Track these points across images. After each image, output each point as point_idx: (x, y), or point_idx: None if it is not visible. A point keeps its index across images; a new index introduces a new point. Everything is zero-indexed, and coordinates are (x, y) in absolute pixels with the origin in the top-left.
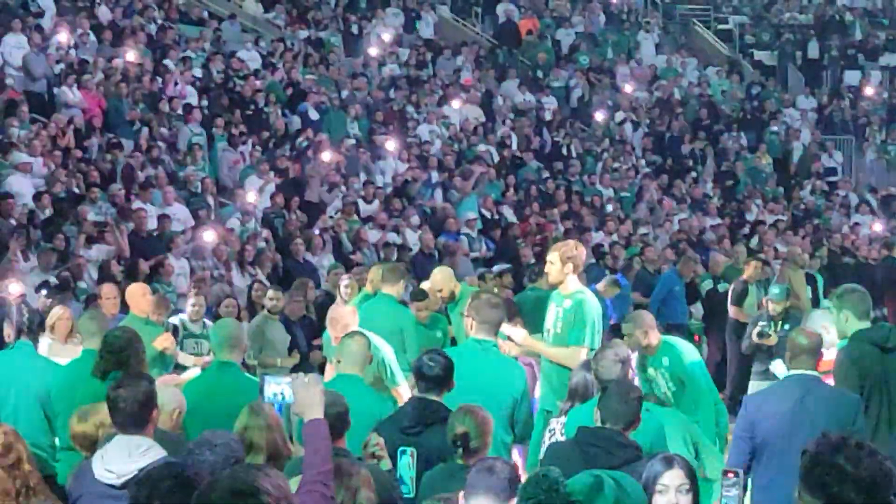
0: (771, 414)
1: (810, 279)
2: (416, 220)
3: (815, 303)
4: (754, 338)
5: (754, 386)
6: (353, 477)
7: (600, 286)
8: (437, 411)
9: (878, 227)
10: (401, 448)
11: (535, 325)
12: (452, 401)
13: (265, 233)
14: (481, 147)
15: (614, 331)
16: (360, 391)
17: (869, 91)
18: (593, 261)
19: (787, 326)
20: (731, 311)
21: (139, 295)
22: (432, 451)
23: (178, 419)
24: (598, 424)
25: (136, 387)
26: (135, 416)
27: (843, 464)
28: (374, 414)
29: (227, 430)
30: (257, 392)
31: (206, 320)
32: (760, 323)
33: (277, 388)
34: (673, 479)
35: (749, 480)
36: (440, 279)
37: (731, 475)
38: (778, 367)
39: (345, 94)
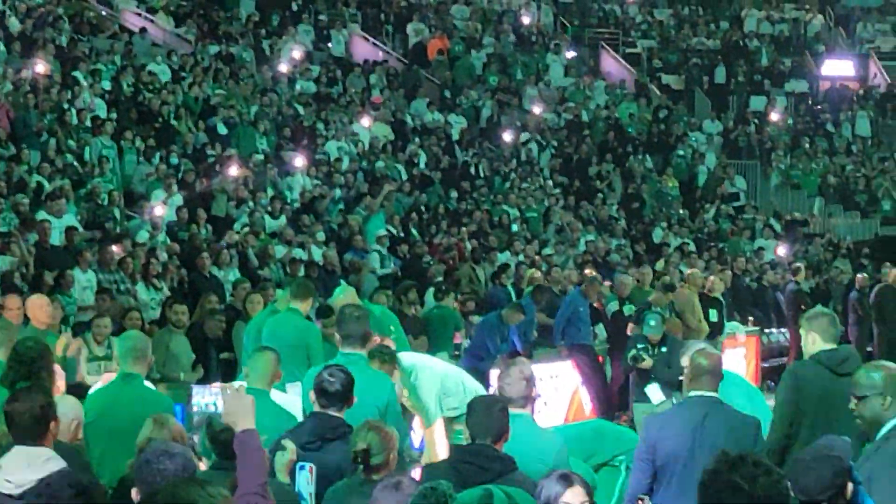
0: (672, 436)
1: (716, 303)
2: (322, 236)
3: (721, 326)
4: (629, 360)
5: (637, 409)
6: None
7: (504, 313)
8: (338, 427)
9: (782, 251)
10: (300, 463)
11: (440, 342)
12: None
13: (170, 246)
14: (388, 166)
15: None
16: (265, 406)
17: (774, 116)
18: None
19: (663, 349)
20: (631, 330)
21: (39, 307)
22: (332, 466)
23: (76, 430)
24: (468, 441)
25: (32, 400)
26: (31, 429)
27: (740, 482)
28: (278, 429)
29: (133, 442)
30: (161, 404)
31: (111, 338)
32: (638, 346)
33: (207, 398)
34: (574, 497)
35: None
36: (343, 300)
37: (639, 503)
38: (651, 391)
39: (254, 109)
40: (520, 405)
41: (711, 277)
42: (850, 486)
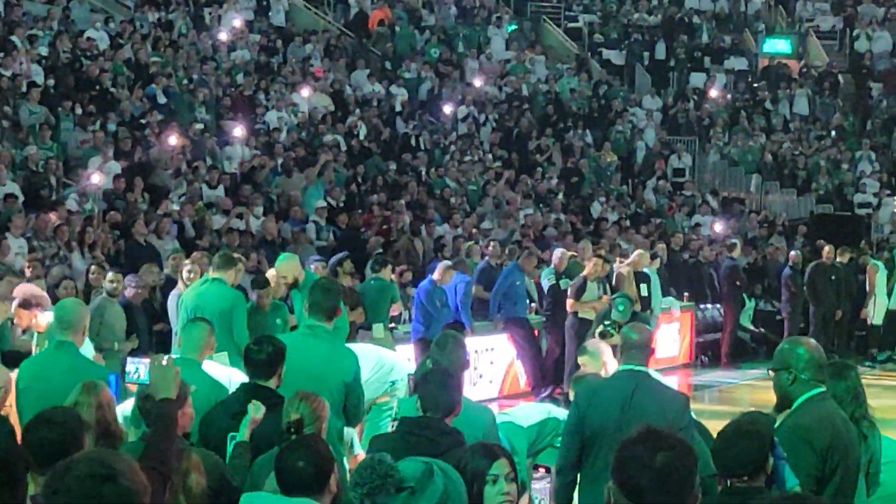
0: (601, 408)
1: (645, 277)
2: (261, 206)
3: (649, 301)
4: (596, 336)
5: None
6: (182, 461)
7: (435, 274)
8: (269, 397)
9: (719, 227)
10: (231, 433)
11: (376, 313)
12: (283, 387)
13: (108, 215)
14: (328, 137)
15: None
16: (197, 376)
17: (713, 93)
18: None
19: None
20: (569, 305)
21: None
22: (263, 437)
23: (3, 398)
24: (420, 413)
25: None
26: None
27: (642, 453)
28: (209, 399)
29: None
30: (95, 373)
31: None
32: (605, 322)
33: (137, 367)
34: (501, 468)
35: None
36: (286, 266)
37: (541, 469)
38: None
39: (193, 78)
40: None
41: (638, 251)
42: (770, 460)
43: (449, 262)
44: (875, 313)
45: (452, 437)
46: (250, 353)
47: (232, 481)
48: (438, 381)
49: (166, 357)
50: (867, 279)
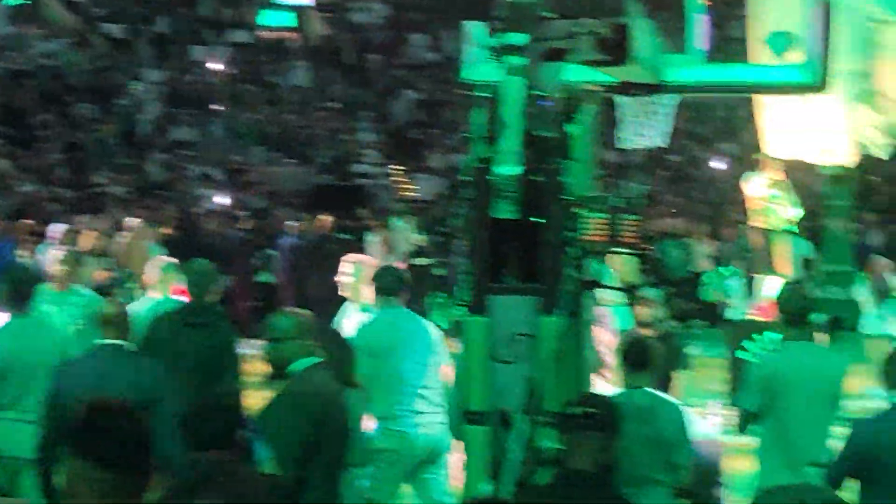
0: (78, 383)
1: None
2: None
3: None
4: None
5: None
6: None
7: None
8: None
9: (223, 199)
10: None
11: None
12: None
13: None
14: None
15: None
16: None
17: (216, 66)
18: None
19: None
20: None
21: None
22: None
23: None
24: None
25: None
26: None
27: (90, 418)
28: None
29: None
30: None
31: None
32: None
33: None
34: None
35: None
36: None
37: None
38: None
39: None
40: None
41: (141, 223)
42: (241, 433)
43: None
44: None
45: None
46: None
47: None
48: None
49: None
50: None
